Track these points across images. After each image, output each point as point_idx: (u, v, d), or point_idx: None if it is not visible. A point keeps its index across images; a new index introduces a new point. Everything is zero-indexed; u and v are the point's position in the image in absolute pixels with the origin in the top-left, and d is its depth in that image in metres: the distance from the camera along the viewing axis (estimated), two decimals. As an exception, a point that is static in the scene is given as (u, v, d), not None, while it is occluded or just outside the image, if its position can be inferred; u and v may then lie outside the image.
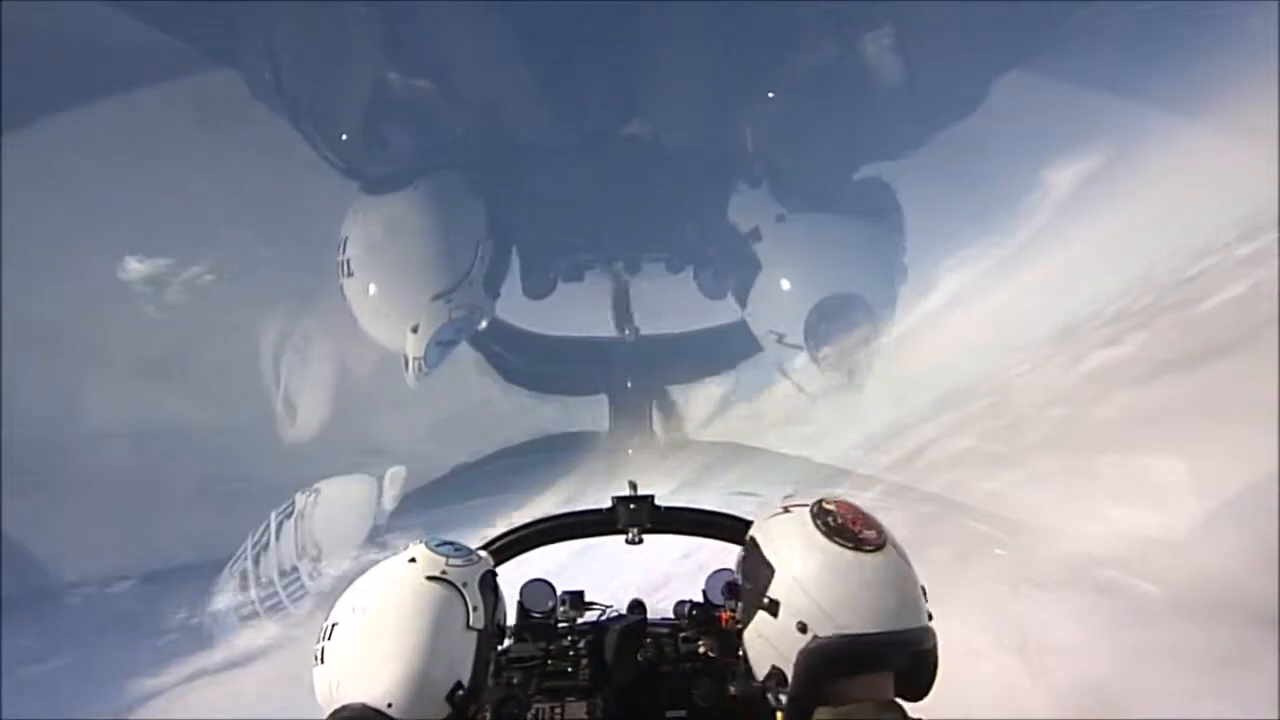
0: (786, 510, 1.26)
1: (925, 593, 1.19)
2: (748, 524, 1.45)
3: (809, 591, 1.11)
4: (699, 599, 1.66)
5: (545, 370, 8.15)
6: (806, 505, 1.24)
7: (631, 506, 1.65)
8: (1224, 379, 4.82)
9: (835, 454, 7.10)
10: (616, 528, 1.67)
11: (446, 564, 1.24)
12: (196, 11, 5.86)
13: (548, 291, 7.98)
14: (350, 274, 6.33)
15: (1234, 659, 3.99)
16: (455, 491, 7.65)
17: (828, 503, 1.23)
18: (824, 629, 1.09)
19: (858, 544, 1.14)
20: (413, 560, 1.24)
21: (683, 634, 1.57)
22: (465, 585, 1.23)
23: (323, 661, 1.17)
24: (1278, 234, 2.45)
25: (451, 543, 1.33)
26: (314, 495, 6.67)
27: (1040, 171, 6.53)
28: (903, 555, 1.18)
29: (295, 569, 6.30)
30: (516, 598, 1.67)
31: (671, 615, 1.71)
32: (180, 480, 6.86)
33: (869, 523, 1.19)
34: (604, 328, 7.98)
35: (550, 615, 1.67)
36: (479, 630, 1.21)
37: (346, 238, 6.41)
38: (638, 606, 1.78)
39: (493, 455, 8.03)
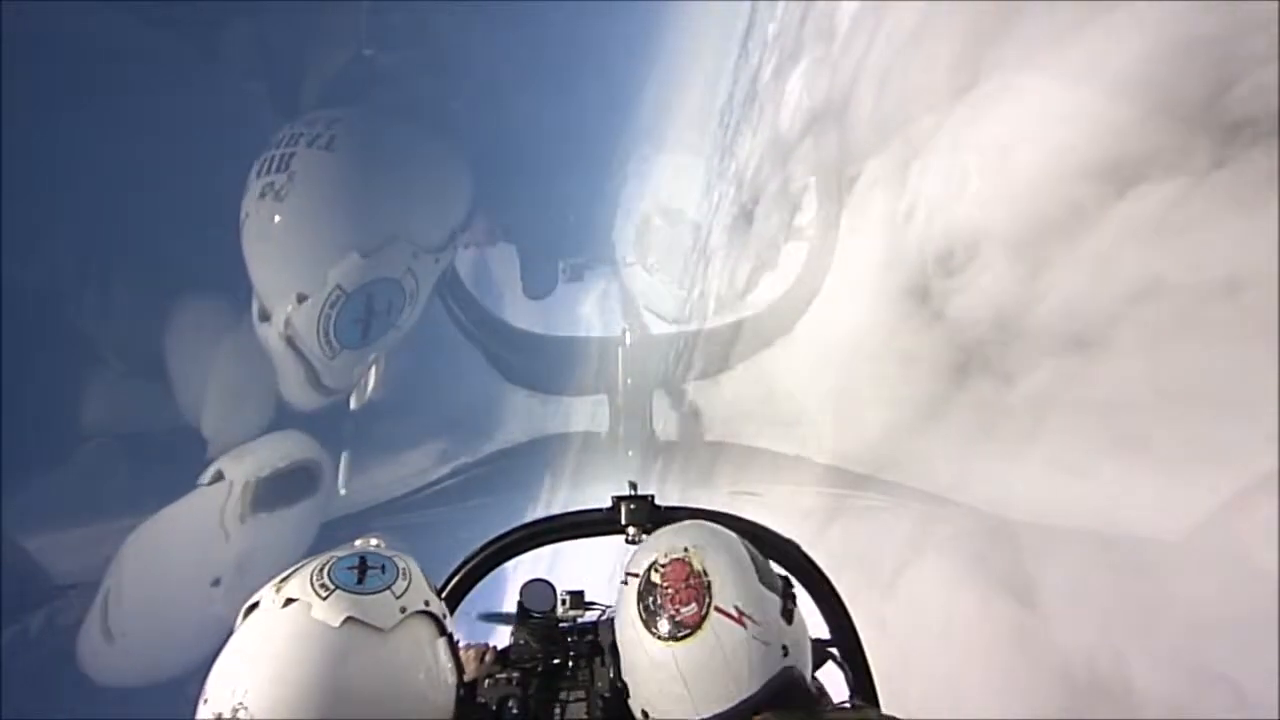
0: (625, 581, 1.19)
1: (788, 618, 1.10)
2: (747, 523, 1.44)
3: (639, 687, 1.15)
4: None
5: (545, 370, 8.16)
6: (637, 577, 1.16)
7: (631, 506, 1.65)
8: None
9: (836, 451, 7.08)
10: (617, 527, 1.67)
11: (401, 598, 1.01)
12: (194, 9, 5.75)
13: (548, 291, 8.00)
14: (280, 199, 4.98)
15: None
16: (454, 491, 7.66)
17: (660, 566, 1.15)
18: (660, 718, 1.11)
19: (672, 631, 1.09)
20: (350, 620, 0.95)
21: None
22: (429, 603, 1.06)
23: None
24: (1278, 239, 2.46)
25: (362, 565, 1.03)
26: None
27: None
28: (733, 616, 1.07)
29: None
30: (517, 598, 1.67)
31: None
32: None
33: (690, 591, 1.10)
34: (604, 328, 8.00)
35: (550, 615, 1.66)
36: (450, 635, 1.10)
37: (293, 153, 5.06)
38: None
39: (493, 455, 8.04)
